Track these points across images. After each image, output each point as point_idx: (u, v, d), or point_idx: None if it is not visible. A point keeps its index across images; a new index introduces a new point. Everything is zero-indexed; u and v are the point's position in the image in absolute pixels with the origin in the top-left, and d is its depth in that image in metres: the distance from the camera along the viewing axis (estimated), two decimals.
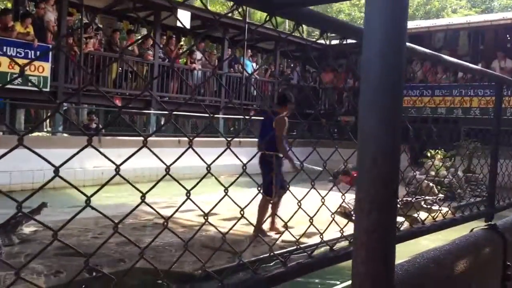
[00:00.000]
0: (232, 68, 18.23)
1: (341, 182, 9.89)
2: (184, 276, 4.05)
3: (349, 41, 1.57)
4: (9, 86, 11.52)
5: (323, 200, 1.41)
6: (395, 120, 0.82)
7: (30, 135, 14.03)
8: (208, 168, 1.08)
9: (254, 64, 19.20)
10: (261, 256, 4.17)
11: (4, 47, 11.64)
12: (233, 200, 1.21)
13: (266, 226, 6.30)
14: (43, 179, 9.69)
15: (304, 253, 1.25)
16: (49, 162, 0.87)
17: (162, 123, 16.33)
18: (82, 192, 0.92)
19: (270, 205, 6.05)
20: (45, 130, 16.22)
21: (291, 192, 1.31)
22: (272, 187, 5.88)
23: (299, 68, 21.92)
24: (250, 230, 5.96)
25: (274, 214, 6.07)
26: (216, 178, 1.23)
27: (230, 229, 1.31)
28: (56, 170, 0.84)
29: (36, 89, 12.21)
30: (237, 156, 1.26)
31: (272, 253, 1.25)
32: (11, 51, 11.74)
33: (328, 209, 1.41)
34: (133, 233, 6.09)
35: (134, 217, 6.70)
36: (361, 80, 0.82)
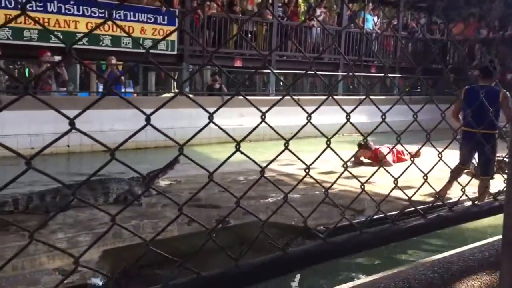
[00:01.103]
0: (352, 23, 17.63)
1: (361, 157, 8.61)
2: (307, 231, 4.13)
3: None
4: (140, 50, 12.44)
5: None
6: None
7: (160, 96, 15.08)
8: (348, 117, 1.08)
9: (375, 18, 18.34)
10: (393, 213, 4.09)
11: (136, 14, 12.50)
12: (364, 145, 1.19)
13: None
14: (173, 136, 10.39)
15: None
16: (205, 110, 0.93)
17: (281, 82, 16.47)
18: (232, 138, 0.98)
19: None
20: (172, 91, 17.31)
21: (436, 148, 1.26)
22: (492, 167, 5.68)
23: (424, 20, 20.49)
24: (374, 188, 5.90)
25: (452, 182, 5.94)
26: (356, 129, 1.22)
27: (368, 179, 1.31)
28: (211, 116, 0.90)
29: (165, 52, 12.99)
30: (378, 108, 1.24)
31: (413, 207, 1.23)
32: (142, 17, 12.59)
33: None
34: (257, 189, 6.35)
35: (256, 173, 6.96)
36: None
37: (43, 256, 3.75)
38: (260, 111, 0.94)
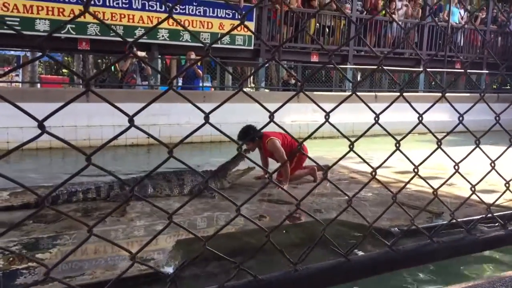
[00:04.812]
0: (436, 17, 16.84)
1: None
2: (380, 231, 4.02)
3: None
4: (218, 45, 12.69)
5: None
6: None
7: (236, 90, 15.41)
8: (420, 118, 1.02)
9: (462, 11, 17.38)
10: (476, 217, 3.86)
11: (215, 10, 12.76)
12: (448, 153, 1.12)
13: None
14: None
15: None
16: (259, 103, 0.92)
17: (359, 78, 16.12)
18: (285, 133, 0.96)
19: None
20: (249, 86, 17.52)
21: None
22: None
23: None
24: (454, 190, 5.62)
25: None
26: (427, 128, 1.15)
27: (443, 183, 1.23)
28: (272, 115, 0.88)
29: (241, 47, 13.18)
30: (454, 108, 1.16)
31: (490, 214, 1.13)
32: (221, 13, 12.83)
33: None
34: (330, 186, 6.28)
35: (330, 171, 6.86)
36: None
37: (123, 243, 3.94)
38: (324, 110, 0.91)
